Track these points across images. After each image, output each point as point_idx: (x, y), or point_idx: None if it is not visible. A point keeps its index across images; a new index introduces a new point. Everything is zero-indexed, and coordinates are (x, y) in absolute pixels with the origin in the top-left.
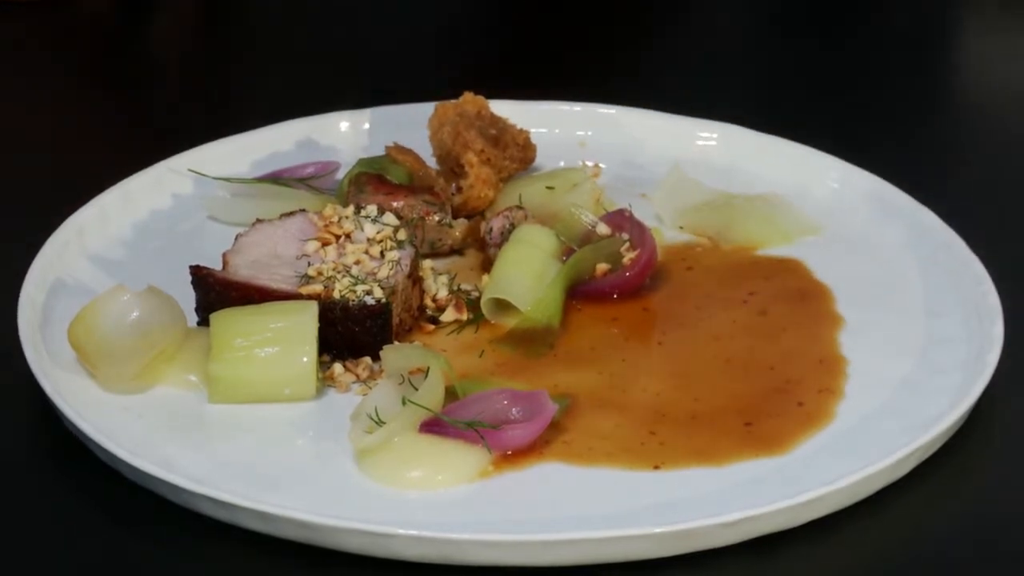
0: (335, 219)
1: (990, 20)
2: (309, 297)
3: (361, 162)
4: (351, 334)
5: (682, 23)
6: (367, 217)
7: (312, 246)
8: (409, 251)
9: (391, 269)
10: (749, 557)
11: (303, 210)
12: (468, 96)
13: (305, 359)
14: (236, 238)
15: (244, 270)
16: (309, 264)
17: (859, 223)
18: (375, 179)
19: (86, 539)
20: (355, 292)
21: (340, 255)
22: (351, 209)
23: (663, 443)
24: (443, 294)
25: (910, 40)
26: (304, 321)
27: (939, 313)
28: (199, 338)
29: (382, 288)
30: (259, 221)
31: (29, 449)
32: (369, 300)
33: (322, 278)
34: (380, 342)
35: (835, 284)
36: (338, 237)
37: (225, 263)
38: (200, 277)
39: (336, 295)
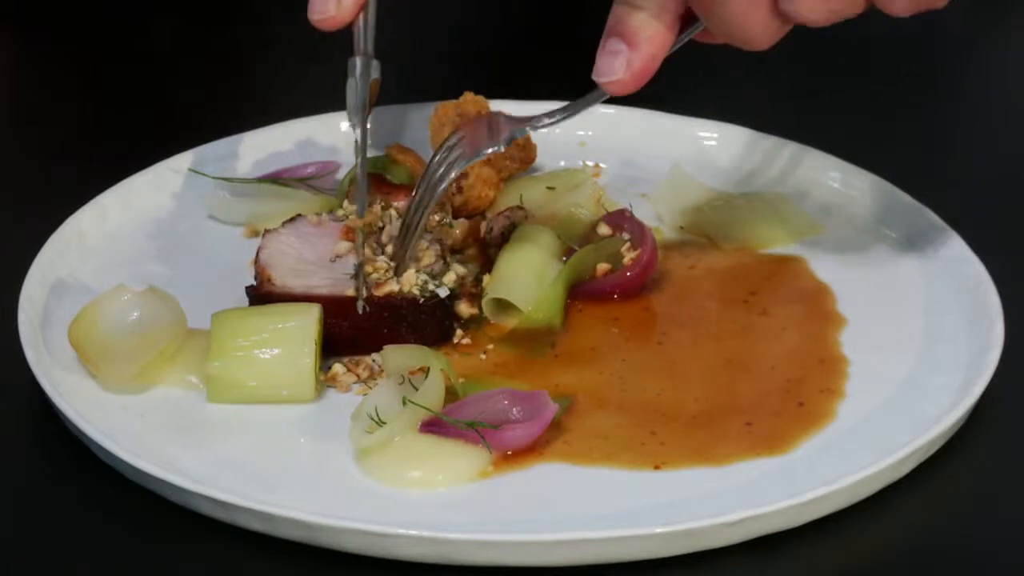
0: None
1: (991, 19)
2: (388, 296)
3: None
4: (419, 324)
5: None
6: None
7: (345, 246)
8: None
9: (436, 259)
10: (749, 557)
11: (300, 215)
12: (468, 96)
13: (305, 361)
14: (258, 253)
15: (291, 279)
16: (354, 265)
17: (859, 223)
18: (376, 179)
19: (86, 539)
20: (425, 286)
21: (376, 252)
22: (378, 206)
23: (663, 443)
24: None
25: (911, 39)
26: (305, 324)
27: (939, 313)
28: (199, 338)
29: (442, 279)
30: (267, 231)
31: (29, 449)
32: (442, 292)
33: (377, 275)
34: (448, 329)
35: (835, 284)
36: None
37: (268, 277)
38: (260, 295)
39: (407, 290)
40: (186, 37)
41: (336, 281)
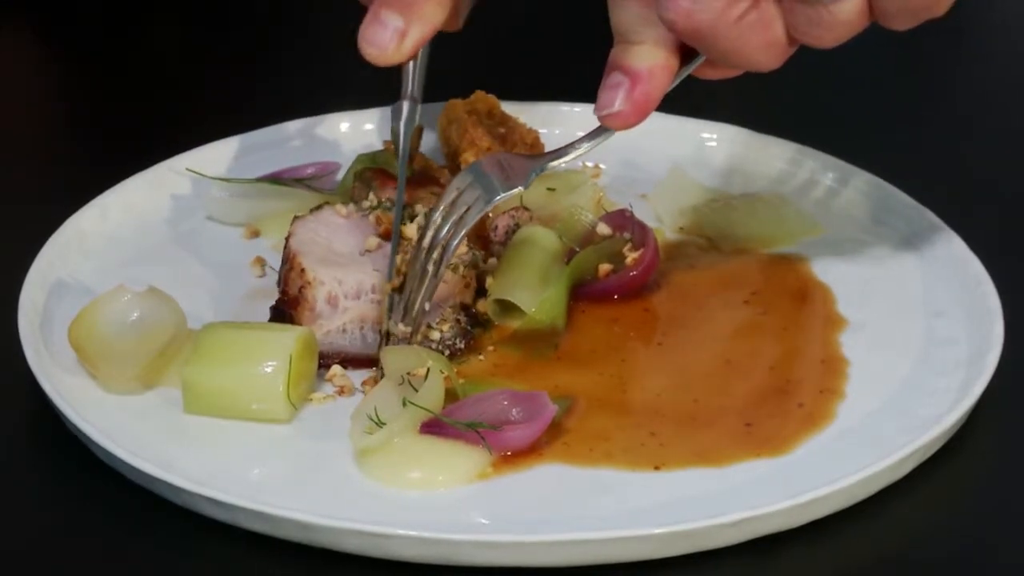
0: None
1: (990, 20)
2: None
3: (360, 158)
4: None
5: None
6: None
7: (374, 241)
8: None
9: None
10: (749, 557)
11: (327, 204)
12: (479, 94)
13: (277, 378)
14: (288, 239)
15: (321, 269)
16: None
17: (859, 223)
18: (380, 173)
19: (86, 539)
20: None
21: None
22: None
23: (663, 444)
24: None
25: (910, 39)
26: (284, 341)
27: (939, 313)
28: None
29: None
30: (296, 218)
31: (29, 449)
32: (460, 344)
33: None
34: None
35: (835, 284)
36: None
37: (299, 266)
38: (291, 300)
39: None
40: (186, 37)
41: (364, 277)
